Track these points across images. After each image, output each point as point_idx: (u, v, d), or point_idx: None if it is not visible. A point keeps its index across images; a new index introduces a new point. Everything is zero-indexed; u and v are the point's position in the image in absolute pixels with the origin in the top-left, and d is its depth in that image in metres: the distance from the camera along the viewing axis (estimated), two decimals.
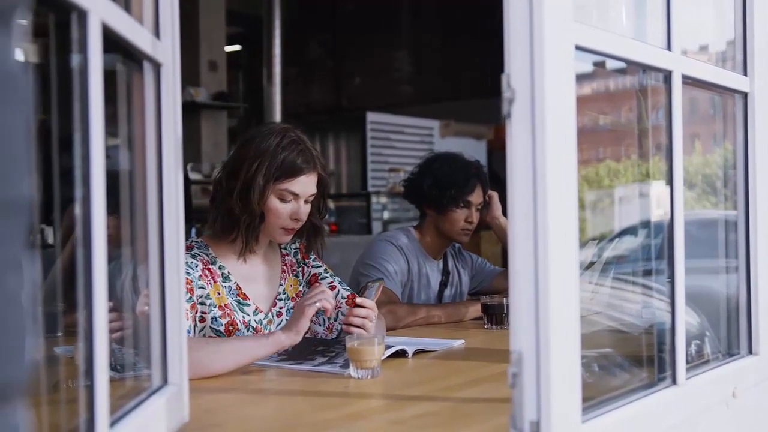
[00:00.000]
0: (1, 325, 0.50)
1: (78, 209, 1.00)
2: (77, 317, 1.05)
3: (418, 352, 2.19)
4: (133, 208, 1.36)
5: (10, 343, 0.51)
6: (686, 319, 1.57)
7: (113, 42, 1.11)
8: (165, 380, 1.37)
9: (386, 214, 7.55)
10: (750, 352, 1.81)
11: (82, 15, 0.99)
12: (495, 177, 5.16)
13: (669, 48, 1.51)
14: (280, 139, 2.18)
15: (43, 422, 1.09)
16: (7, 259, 0.51)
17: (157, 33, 1.35)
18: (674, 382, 1.51)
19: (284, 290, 2.37)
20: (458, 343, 2.36)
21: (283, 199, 2.20)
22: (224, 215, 2.21)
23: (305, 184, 2.21)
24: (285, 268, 2.39)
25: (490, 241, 6.33)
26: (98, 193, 1.01)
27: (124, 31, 1.15)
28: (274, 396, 1.77)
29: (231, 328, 2.18)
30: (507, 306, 2.65)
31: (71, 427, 1.07)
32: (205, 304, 2.15)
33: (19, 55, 0.57)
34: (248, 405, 1.71)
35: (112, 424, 1.08)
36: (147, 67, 1.33)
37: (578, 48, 1.25)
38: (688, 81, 1.57)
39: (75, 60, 1.01)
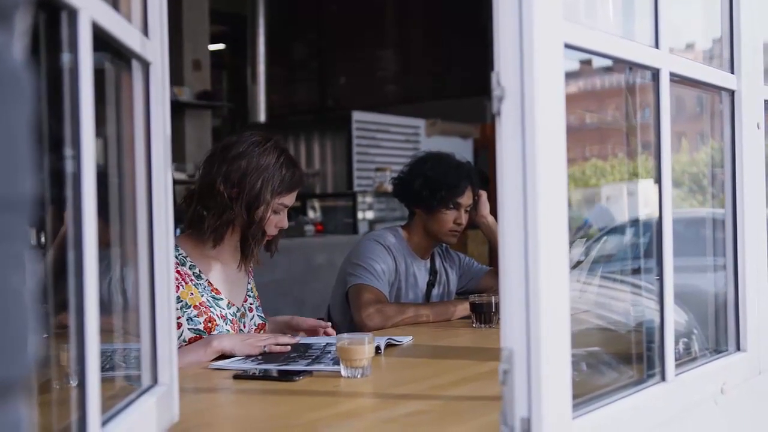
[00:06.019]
0: (4, 322, 0.50)
1: (68, 210, 1.00)
2: (64, 318, 1.04)
3: (389, 345, 2.24)
4: (122, 208, 1.35)
5: (13, 340, 0.51)
6: (674, 317, 1.57)
7: (102, 40, 1.11)
8: (155, 380, 1.37)
9: (372, 214, 7.54)
10: (738, 348, 1.82)
11: (73, 13, 0.98)
12: (481, 176, 5.17)
13: (657, 46, 1.52)
14: (278, 155, 2.27)
15: (33, 422, 1.08)
16: (11, 256, 0.51)
17: (145, 31, 1.35)
18: (663, 378, 1.52)
19: (251, 288, 2.45)
20: (407, 339, 2.37)
21: (276, 212, 2.28)
22: (225, 224, 2.25)
23: (294, 197, 2.34)
24: (250, 268, 2.47)
25: (476, 240, 6.34)
26: (89, 193, 1.00)
27: (114, 30, 1.14)
28: (264, 396, 1.76)
29: (210, 324, 2.22)
30: (495, 305, 2.66)
31: (62, 427, 1.07)
32: (177, 308, 2.16)
33: (21, 54, 0.57)
34: (238, 405, 1.71)
35: (103, 423, 1.07)
36: (135, 66, 1.33)
37: (567, 46, 1.25)
38: (676, 79, 1.58)
39: (65, 58, 1.00)
